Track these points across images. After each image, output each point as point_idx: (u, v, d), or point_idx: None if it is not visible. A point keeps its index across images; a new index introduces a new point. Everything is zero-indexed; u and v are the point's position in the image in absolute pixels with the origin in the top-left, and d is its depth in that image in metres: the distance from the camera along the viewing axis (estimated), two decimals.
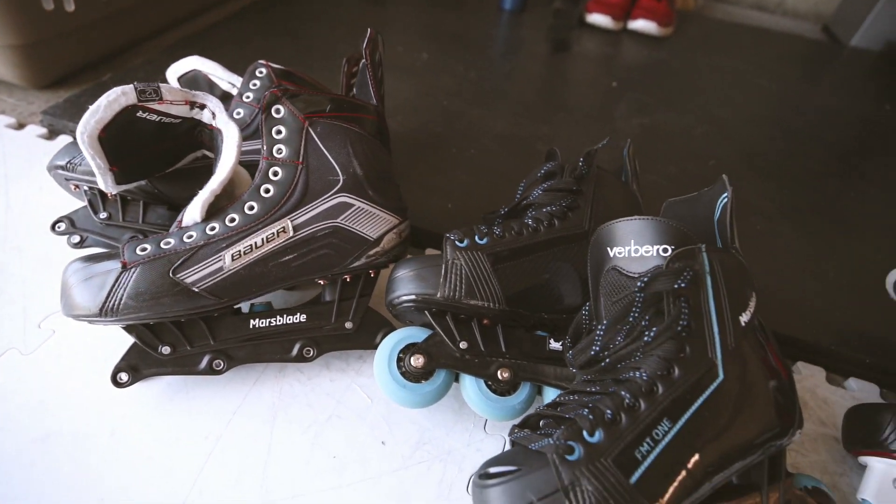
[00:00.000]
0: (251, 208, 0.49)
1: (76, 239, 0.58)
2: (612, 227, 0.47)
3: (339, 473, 0.48)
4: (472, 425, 0.53)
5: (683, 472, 0.39)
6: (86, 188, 0.57)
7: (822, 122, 1.09)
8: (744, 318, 0.43)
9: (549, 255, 0.53)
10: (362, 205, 0.53)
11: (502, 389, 0.51)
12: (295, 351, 0.53)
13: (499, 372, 0.50)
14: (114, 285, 0.45)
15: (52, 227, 0.58)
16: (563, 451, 0.38)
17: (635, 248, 0.45)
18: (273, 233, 0.49)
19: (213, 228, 0.48)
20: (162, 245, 0.47)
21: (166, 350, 0.49)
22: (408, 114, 0.90)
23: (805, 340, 0.65)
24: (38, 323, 0.56)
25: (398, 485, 0.48)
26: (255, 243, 0.49)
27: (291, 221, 0.50)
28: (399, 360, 0.50)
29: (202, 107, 0.52)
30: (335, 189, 0.52)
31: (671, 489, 0.38)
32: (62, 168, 0.58)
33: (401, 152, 0.82)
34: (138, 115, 0.48)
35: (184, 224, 0.49)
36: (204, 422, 0.50)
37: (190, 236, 0.48)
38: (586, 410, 0.40)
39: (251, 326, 0.52)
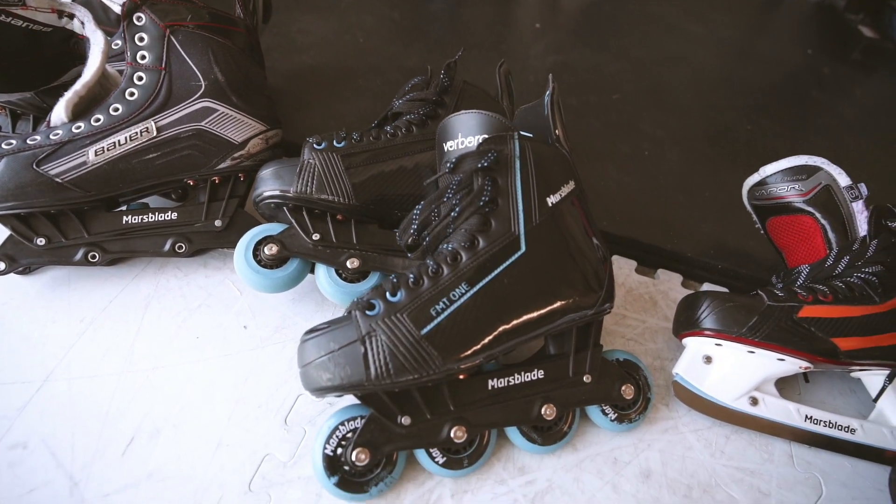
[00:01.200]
0: (116, 109, 0.53)
1: None
2: (445, 122, 0.51)
3: (201, 351, 0.53)
4: (332, 314, 0.58)
5: (476, 330, 0.44)
6: None
7: (738, 63, 1.12)
8: (552, 200, 0.48)
9: (407, 159, 0.58)
10: (226, 110, 0.57)
11: (352, 277, 0.55)
12: (167, 246, 0.57)
13: (348, 261, 0.55)
14: None
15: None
16: (365, 307, 0.43)
17: (461, 140, 0.49)
18: (137, 132, 0.53)
19: (78, 127, 0.52)
20: (28, 141, 0.51)
21: (41, 241, 0.54)
22: (322, 48, 0.93)
23: (666, 249, 0.70)
24: None
25: (253, 361, 0.53)
26: (119, 141, 0.53)
27: (155, 123, 0.54)
28: (257, 250, 0.55)
29: (71, 16, 0.55)
30: (198, 94, 0.55)
31: (460, 341, 0.43)
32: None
33: (310, 83, 0.85)
34: (1, 18, 0.51)
35: (52, 124, 0.53)
36: (80, 308, 0.55)
37: (56, 134, 0.52)
38: (394, 276, 0.45)
39: (124, 222, 0.56)
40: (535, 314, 0.46)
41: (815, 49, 1.21)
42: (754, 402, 0.54)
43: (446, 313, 0.43)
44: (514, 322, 0.45)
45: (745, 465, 0.52)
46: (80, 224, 0.54)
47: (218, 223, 0.58)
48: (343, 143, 0.56)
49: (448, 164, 0.48)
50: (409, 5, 1.11)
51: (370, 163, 0.57)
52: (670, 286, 0.67)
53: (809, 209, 0.61)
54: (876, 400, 0.54)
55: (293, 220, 0.55)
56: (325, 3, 1.06)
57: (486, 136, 0.48)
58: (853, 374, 0.57)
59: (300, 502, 0.45)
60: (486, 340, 0.44)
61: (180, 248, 0.57)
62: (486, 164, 0.46)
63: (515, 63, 0.99)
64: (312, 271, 0.57)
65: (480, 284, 0.44)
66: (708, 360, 0.54)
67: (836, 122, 0.99)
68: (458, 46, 1.00)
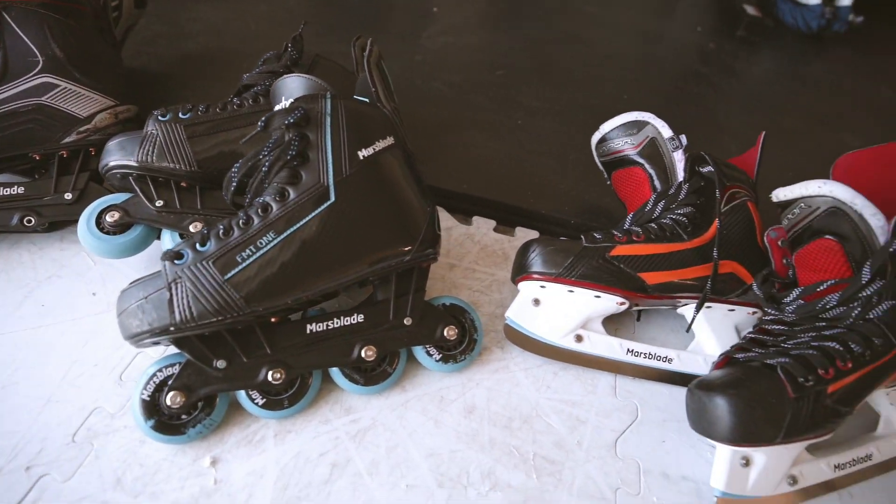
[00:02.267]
0: None
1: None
2: (273, 87, 0.54)
3: (44, 317, 0.55)
4: None
5: (282, 275, 0.46)
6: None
7: (628, 41, 1.17)
8: (363, 153, 0.51)
9: (251, 128, 0.60)
10: (69, 85, 0.58)
11: (113, 231, 0.56)
12: (14, 220, 0.58)
13: (191, 226, 0.57)
14: None
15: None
16: (173, 256, 0.45)
17: (285, 102, 0.52)
18: None
19: None
20: None
21: None
22: (210, 35, 0.95)
23: (523, 208, 0.73)
24: None
25: (97, 324, 0.55)
26: None
27: None
28: (101, 218, 0.56)
29: None
30: (36, 70, 0.57)
31: (266, 286, 0.46)
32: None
33: (195, 68, 0.87)
34: None
35: None
36: None
37: None
38: (205, 227, 0.47)
39: None
40: (345, 260, 0.49)
41: (704, 27, 1.27)
42: (579, 339, 0.57)
43: (251, 259, 0.46)
44: (324, 268, 0.48)
45: (569, 398, 0.56)
46: None
47: (68, 196, 0.60)
48: (188, 115, 0.58)
49: (260, 123, 0.50)
50: None
51: (214, 132, 0.59)
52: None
53: (640, 160, 0.65)
54: (688, 330, 0.59)
55: (137, 189, 0.57)
56: None
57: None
58: (679, 311, 0.61)
59: (122, 449, 0.47)
60: (294, 285, 0.47)
61: (29, 221, 0.59)
62: (292, 121, 0.48)
63: (405, 44, 1.02)
64: (160, 238, 0.59)
65: (288, 232, 0.47)
66: (536, 302, 0.58)
67: (712, 92, 1.04)
68: (351, 31, 1.03)
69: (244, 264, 0.46)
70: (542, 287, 0.57)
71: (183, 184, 0.58)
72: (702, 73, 1.10)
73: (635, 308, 0.62)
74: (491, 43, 1.07)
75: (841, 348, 0.48)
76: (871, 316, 0.48)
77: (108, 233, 0.56)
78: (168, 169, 0.56)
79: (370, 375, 0.52)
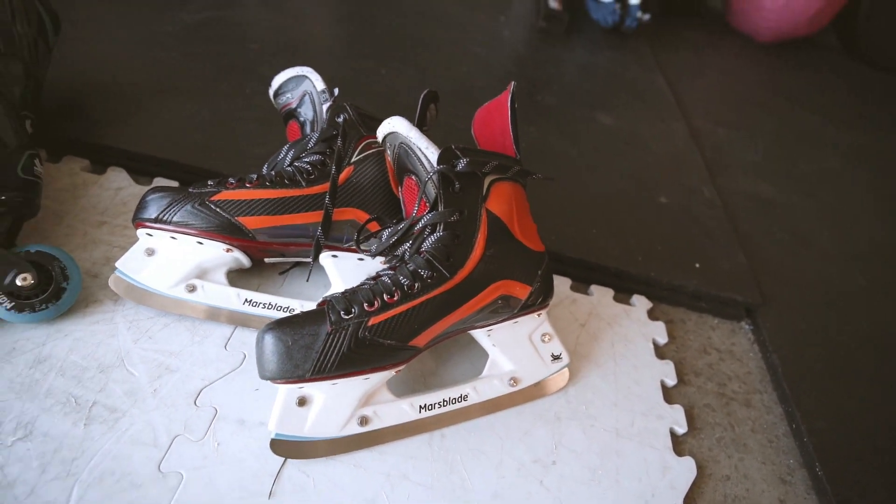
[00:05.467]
0: None
1: None
2: None
3: None
4: None
5: None
6: None
7: (435, 26, 1.19)
8: None
9: None
10: None
11: None
12: None
13: None
14: None
15: None
16: None
17: None
18: None
19: None
20: None
21: None
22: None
23: (194, 166, 0.71)
24: None
25: None
26: None
27: None
28: None
29: None
30: None
31: None
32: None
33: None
34: None
35: None
36: None
37: None
38: None
39: None
40: None
41: (507, 17, 1.31)
42: (192, 289, 0.55)
43: None
44: None
45: (168, 348, 0.53)
46: None
47: None
48: None
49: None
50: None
51: None
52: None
53: (297, 113, 0.64)
54: (308, 279, 0.58)
55: None
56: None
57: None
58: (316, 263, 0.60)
59: None
60: None
61: None
62: None
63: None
64: None
65: None
66: (150, 252, 0.56)
67: (480, 71, 1.07)
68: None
69: None
70: (149, 235, 0.55)
71: None
72: (481, 55, 1.13)
73: (272, 260, 0.60)
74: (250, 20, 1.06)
75: (389, 282, 0.47)
76: (423, 249, 0.48)
77: None
78: None
79: None
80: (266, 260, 0.60)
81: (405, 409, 0.51)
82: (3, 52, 0.61)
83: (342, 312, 0.46)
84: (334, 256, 0.58)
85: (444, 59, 1.08)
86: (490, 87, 1.03)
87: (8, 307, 0.51)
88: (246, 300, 0.56)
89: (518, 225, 0.52)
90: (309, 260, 0.61)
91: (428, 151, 0.49)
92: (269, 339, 0.45)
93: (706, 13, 1.68)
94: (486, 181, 0.51)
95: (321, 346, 0.45)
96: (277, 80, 0.67)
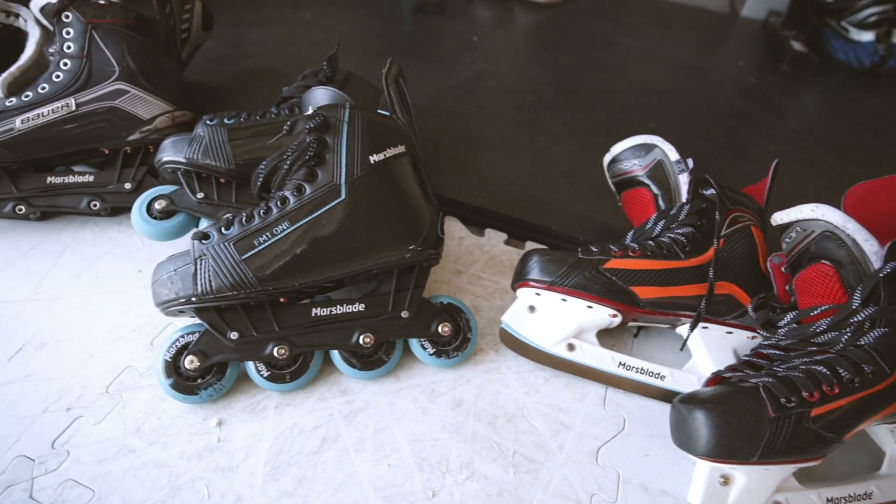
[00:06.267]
0: (43, 88, 0.65)
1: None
2: (304, 97, 0.61)
3: (96, 287, 0.63)
4: None
5: (292, 260, 0.52)
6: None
7: (662, 72, 1.19)
8: (374, 158, 0.56)
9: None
10: (137, 92, 0.68)
11: (160, 217, 0.64)
12: (83, 203, 0.68)
13: (225, 216, 0.64)
14: None
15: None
16: (201, 236, 0.52)
17: (310, 110, 0.59)
18: (58, 107, 0.65)
19: (10, 101, 0.64)
20: None
21: None
22: (266, 56, 1.05)
23: (534, 223, 0.76)
24: None
25: (139, 297, 0.62)
26: (42, 112, 0.64)
27: (75, 100, 0.66)
28: (151, 205, 0.65)
29: (17, 15, 0.68)
30: (113, 78, 0.67)
31: (277, 268, 0.51)
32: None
33: (251, 83, 0.98)
34: None
35: None
36: (3, 253, 0.66)
37: None
38: (231, 214, 0.54)
39: (48, 182, 0.67)
40: (350, 253, 0.54)
41: (746, 62, 1.27)
42: (571, 347, 0.59)
43: (267, 244, 0.52)
44: (330, 257, 0.53)
45: (556, 403, 0.58)
46: (9, 181, 0.66)
47: (128, 186, 0.69)
48: (232, 121, 0.66)
49: (286, 127, 0.57)
50: (359, 23, 1.24)
51: (253, 136, 0.67)
52: None
53: (647, 181, 0.67)
54: (682, 348, 0.59)
55: (183, 182, 0.65)
56: (285, 18, 1.20)
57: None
58: (678, 330, 0.62)
59: (145, 403, 0.53)
60: (303, 270, 0.53)
61: (94, 205, 0.68)
62: (312, 126, 0.55)
63: (443, 69, 1.09)
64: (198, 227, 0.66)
65: (301, 223, 0.53)
66: (531, 308, 0.60)
67: (746, 124, 1.04)
68: (396, 56, 1.12)
69: (259, 248, 0.52)
70: (538, 294, 0.60)
71: (222, 180, 0.66)
72: (737, 105, 1.10)
73: (633, 324, 0.63)
74: (524, 71, 1.12)
75: (828, 372, 0.47)
76: (863, 342, 0.48)
77: (156, 218, 0.64)
78: (210, 166, 0.64)
79: (367, 361, 0.56)
80: (629, 324, 0.62)
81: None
82: None
83: (783, 398, 0.47)
84: (704, 328, 0.60)
85: (703, 111, 1.07)
86: (761, 143, 1.00)
87: (430, 352, 0.58)
88: (620, 363, 0.59)
89: None
90: (664, 326, 0.63)
91: (867, 244, 0.49)
92: (701, 416, 0.47)
93: None
94: None
95: (766, 430, 0.46)
96: (619, 147, 0.70)
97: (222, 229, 0.53)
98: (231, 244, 0.51)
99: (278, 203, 0.54)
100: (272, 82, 0.99)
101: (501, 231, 0.76)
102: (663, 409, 0.58)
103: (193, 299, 0.50)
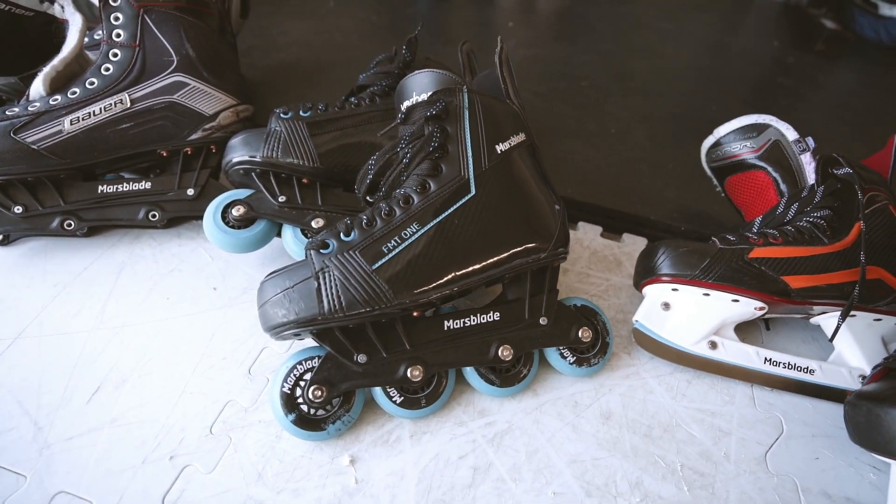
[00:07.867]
0: (91, 83, 0.56)
1: None
2: (401, 84, 0.54)
3: (169, 310, 0.55)
4: None
5: (427, 266, 0.45)
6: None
7: (705, 55, 1.16)
8: (501, 147, 0.50)
9: (370, 127, 0.60)
10: (198, 84, 0.60)
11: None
12: (141, 214, 0.59)
13: (313, 221, 0.57)
14: None
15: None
16: (319, 246, 0.45)
17: (415, 99, 0.52)
18: (111, 103, 0.56)
19: (55, 99, 0.55)
20: (7, 112, 0.54)
21: (18, 209, 0.56)
22: (300, 46, 0.97)
23: (630, 214, 0.71)
24: None
25: (220, 318, 0.54)
26: (93, 111, 0.55)
27: (129, 95, 0.57)
28: (226, 212, 0.57)
29: (52, 1, 0.59)
30: (170, 69, 0.58)
31: (412, 277, 0.45)
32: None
33: (287, 75, 0.90)
34: None
35: (30, 98, 0.56)
36: (56, 274, 0.57)
37: (34, 105, 0.54)
38: (348, 219, 0.47)
39: (99, 191, 0.58)
40: (485, 254, 0.48)
41: (780, 41, 1.25)
42: (713, 345, 0.54)
43: (397, 250, 0.45)
44: (465, 261, 0.47)
45: (706, 407, 0.53)
46: (56, 193, 0.57)
47: (190, 192, 0.60)
48: (308, 113, 0.59)
49: (400, 115, 0.50)
50: (388, 9, 1.16)
51: (335, 130, 0.59)
52: (635, 248, 0.68)
53: (762, 164, 0.62)
54: (832, 339, 0.55)
55: (261, 185, 0.57)
56: (307, 8, 1.11)
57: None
58: (812, 321, 0.58)
59: (260, 443, 0.45)
60: (438, 277, 0.46)
61: (153, 216, 0.59)
62: (434, 113, 0.48)
63: (486, 56, 1.03)
64: (280, 235, 0.59)
65: (431, 224, 0.46)
66: (666, 306, 0.55)
67: (802, 103, 1.02)
68: (432, 43, 1.05)
69: (390, 255, 0.45)
70: (675, 290, 0.54)
71: (304, 180, 0.58)
72: (785, 85, 1.07)
73: (761, 316, 0.58)
74: (567, 56, 1.07)
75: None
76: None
77: (233, 227, 0.56)
78: (292, 165, 0.57)
79: (505, 377, 0.50)
80: (759, 318, 0.58)
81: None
82: None
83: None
84: (852, 316, 0.56)
85: (758, 92, 1.04)
86: (820, 121, 0.97)
87: (571, 361, 0.52)
88: (766, 359, 0.55)
89: None
90: (798, 317, 0.58)
91: None
92: None
93: None
94: None
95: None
96: (725, 129, 0.65)
97: (341, 236, 0.45)
98: (357, 252, 0.44)
99: (401, 203, 0.47)
100: (310, 73, 0.92)
101: (593, 224, 0.71)
102: (817, 407, 0.54)
103: (319, 319, 0.43)
